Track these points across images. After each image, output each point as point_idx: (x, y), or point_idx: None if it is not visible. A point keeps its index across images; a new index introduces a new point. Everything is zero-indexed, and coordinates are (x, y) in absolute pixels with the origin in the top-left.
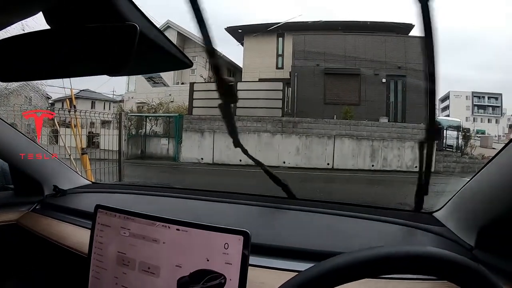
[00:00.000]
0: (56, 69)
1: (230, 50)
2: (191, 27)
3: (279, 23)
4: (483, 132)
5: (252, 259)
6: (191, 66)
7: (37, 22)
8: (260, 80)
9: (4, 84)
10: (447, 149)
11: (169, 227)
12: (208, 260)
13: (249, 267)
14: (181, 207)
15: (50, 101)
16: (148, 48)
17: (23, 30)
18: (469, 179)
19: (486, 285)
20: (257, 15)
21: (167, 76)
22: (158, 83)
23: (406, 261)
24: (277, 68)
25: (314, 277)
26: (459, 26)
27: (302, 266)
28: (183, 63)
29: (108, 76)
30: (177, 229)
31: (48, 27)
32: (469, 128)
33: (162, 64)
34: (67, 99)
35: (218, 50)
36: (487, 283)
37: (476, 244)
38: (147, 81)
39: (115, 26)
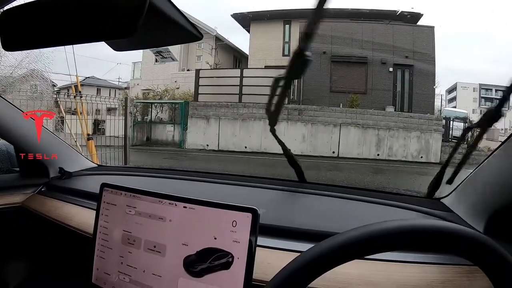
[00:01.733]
0: (62, 36)
1: (237, 37)
2: (197, 14)
3: (286, 9)
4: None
5: (259, 240)
6: (201, 38)
7: None
8: (266, 67)
9: (10, 71)
10: (453, 140)
11: (176, 205)
12: (215, 238)
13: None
14: (187, 189)
15: (56, 89)
16: (157, 18)
17: None
18: (478, 165)
19: (500, 261)
20: (264, 1)
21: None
22: (166, 57)
23: (419, 235)
24: (284, 55)
25: (322, 254)
26: (470, 18)
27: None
28: (193, 36)
29: (114, 62)
30: (184, 207)
31: None
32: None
33: (172, 37)
34: (73, 86)
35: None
36: (501, 258)
37: (485, 230)
38: (155, 55)
39: None
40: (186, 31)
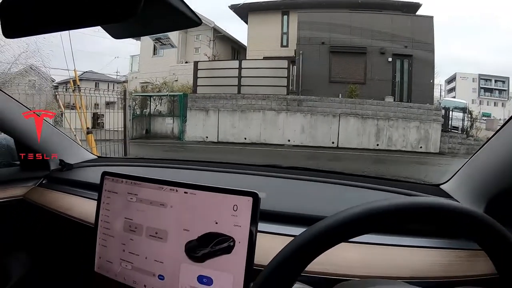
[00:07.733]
0: (63, 21)
1: (235, 28)
2: (195, 6)
3: (284, 0)
4: (489, 115)
5: (260, 225)
6: (200, 24)
7: None
8: (265, 58)
9: (8, 67)
10: (452, 130)
11: (176, 191)
12: (216, 223)
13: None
14: (187, 177)
15: (54, 84)
16: (156, 3)
17: None
18: (476, 151)
19: (500, 239)
20: None
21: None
22: (165, 44)
23: (416, 213)
24: (282, 46)
25: (313, 237)
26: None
27: None
28: (192, 21)
29: (111, 56)
30: (185, 192)
31: None
32: (473, 111)
33: (171, 23)
34: (71, 80)
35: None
36: (502, 237)
37: None
38: (154, 42)
39: None
40: (185, 17)
